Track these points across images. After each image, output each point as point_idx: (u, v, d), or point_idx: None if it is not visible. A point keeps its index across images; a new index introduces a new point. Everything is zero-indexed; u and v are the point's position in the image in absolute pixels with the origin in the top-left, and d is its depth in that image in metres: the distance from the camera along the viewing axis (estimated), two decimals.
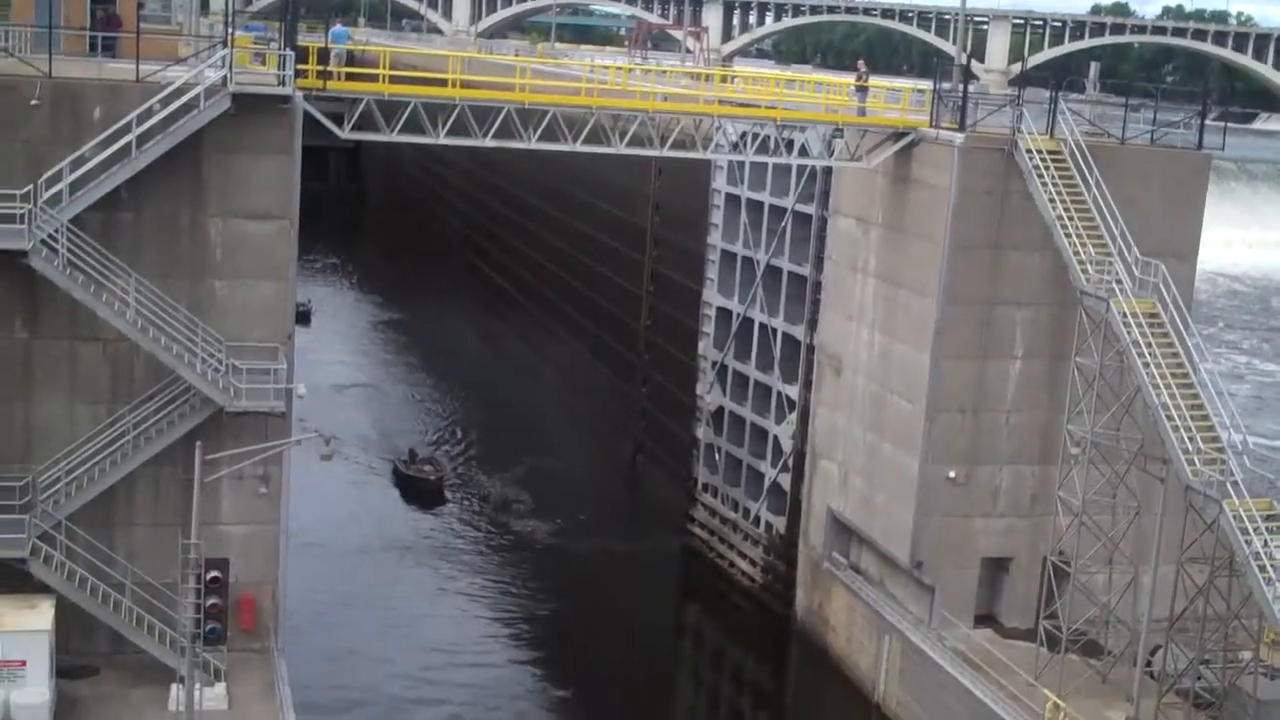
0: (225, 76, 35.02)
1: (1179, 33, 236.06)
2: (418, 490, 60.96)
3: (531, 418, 75.73)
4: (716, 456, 56.96)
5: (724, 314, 56.46)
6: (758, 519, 53.73)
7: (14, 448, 36.00)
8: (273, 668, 36.98)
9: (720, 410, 56.64)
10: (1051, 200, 40.76)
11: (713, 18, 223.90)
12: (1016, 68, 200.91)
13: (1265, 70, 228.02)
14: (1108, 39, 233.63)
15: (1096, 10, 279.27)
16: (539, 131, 40.68)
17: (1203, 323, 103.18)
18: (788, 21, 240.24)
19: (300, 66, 36.51)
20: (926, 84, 45.90)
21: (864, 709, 45.02)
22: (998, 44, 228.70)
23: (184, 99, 34.67)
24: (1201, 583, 35.20)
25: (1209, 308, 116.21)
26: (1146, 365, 37.38)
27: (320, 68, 37.37)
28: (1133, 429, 39.03)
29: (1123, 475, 39.08)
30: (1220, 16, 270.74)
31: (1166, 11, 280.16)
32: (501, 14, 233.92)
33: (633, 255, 66.71)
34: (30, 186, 33.62)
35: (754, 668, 51.56)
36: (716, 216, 56.73)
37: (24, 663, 33.40)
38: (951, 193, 41.94)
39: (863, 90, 45.75)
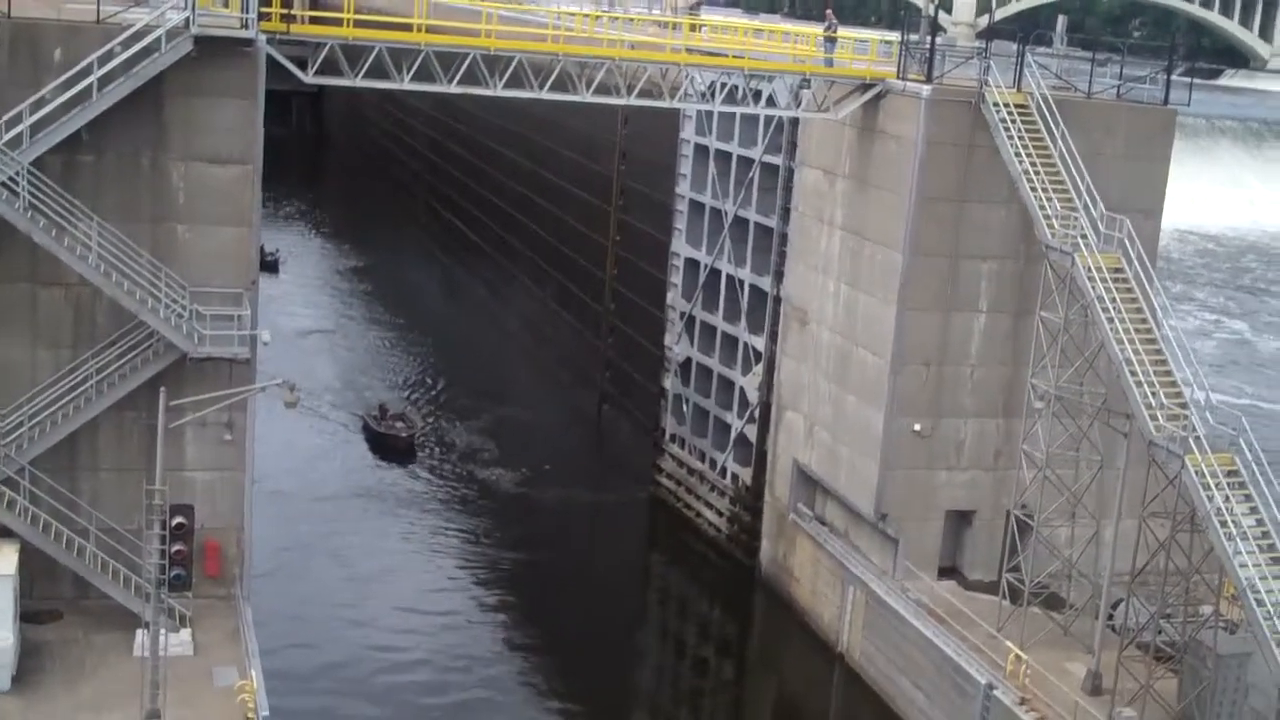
0: (188, 19, 34.59)
1: None
2: (390, 447, 60.78)
3: (498, 367, 75.61)
4: (684, 407, 57.01)
5: (692, 264, 56.35)
6: (724, 470, 53.86)
7: None
8: (238, 614, 36.91)
9: (688, 361, 56.65)
10: (1017, 154, 40.75)
11: None
12: (984, 20, 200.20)
13: (1232, 26, 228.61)
14: None
15: None
16: (505, 78, 40.38)
17: (1171, 280, 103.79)
18: None
19: (264, 9, 36.14)
20: (894, 35, 45.74)
21: (827, 659, 45.34)
22: None
23: (145, 41, 34.26)
24: (1163, 538, 35.41)
25: (1178, 265, 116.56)
26: (1110, 320, 37.45)
27: (284, 11, 36.99)
28: (1096, 383, 39.20)
29: (1086, 430, 39.28)
30: None
31: None
32: None
33: (599, 204, 66.43)
34: None
35: (719, 618, 51.81)
36: (685, 166, 56.49)
37: None
38: (918, 145, 41.87)
39: (831, 41, 45.56)
